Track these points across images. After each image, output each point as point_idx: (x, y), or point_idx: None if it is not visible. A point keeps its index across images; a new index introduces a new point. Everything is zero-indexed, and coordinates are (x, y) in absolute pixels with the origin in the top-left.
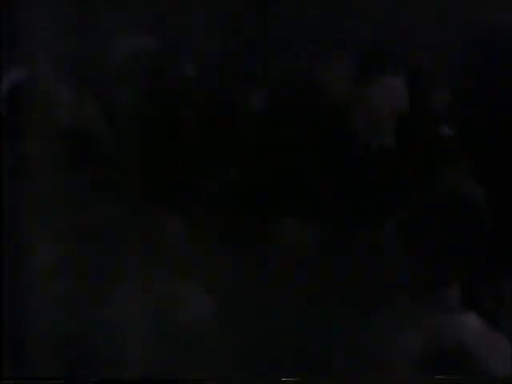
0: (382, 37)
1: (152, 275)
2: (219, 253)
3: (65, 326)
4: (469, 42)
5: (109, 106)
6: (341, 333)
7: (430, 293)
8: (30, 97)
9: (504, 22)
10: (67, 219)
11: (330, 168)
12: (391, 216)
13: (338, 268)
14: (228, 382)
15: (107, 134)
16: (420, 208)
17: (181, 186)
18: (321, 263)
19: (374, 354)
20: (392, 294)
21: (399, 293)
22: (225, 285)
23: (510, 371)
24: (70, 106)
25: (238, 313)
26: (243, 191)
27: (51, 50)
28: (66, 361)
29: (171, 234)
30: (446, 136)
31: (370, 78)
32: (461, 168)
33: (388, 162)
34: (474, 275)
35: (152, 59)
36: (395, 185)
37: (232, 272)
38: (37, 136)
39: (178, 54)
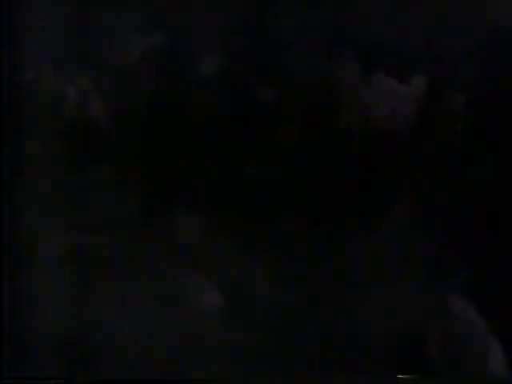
0: (388, 37)
1: (152, 275)
2: (230, 252)
3: (65, 325)
4: (478, 43)
5: (124, 105)
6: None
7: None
8: (38, 97)
9: (504, 22)
10: (69, 219)
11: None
12: (391, 216)
13: (344, 266)
14: (228, 382)
15: (123, 134)
16: (420, 208)
17: (194, 185)
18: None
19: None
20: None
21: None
22: (235, 284)
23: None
24: (81, 105)
25: (247, 312)
26: (253, 190)
27: (68, 49)
28: (67, 361)
29: (187, 233)
30: (454, 137)
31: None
32: (461, 169)
33: (390, 162)
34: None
35: (166, 58)
36: (395, 185)
37: (243, 271)
38: (48, 135)
39: (190, 53)
